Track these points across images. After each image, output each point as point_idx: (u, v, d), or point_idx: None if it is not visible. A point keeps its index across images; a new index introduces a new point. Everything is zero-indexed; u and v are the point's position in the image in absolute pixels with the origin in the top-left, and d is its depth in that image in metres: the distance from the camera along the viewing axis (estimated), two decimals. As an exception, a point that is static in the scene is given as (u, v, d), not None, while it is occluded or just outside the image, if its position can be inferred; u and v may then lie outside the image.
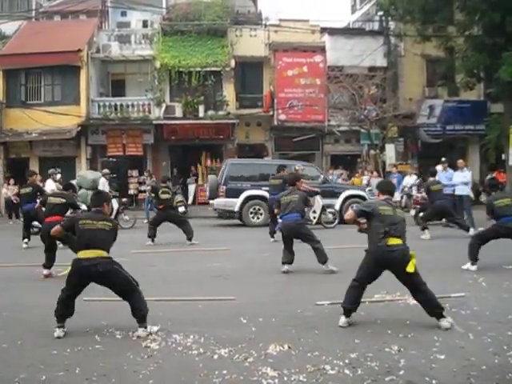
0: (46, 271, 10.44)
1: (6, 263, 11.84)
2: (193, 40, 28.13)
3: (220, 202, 19.51)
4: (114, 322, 7.07)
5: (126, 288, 6.73)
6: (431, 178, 15.64)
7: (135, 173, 28.47)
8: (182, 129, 27.40)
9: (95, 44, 28.17)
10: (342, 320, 6.77)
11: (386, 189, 7.24)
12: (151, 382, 5.17)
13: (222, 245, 14.29)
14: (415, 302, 7.35)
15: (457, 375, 5.12)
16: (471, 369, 5.22)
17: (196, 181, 27.64)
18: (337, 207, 18.84)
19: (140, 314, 6.61)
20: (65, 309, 6.67)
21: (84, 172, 21.44)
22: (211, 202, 19.92)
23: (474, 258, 10.24)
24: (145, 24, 30.87)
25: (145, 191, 27.64)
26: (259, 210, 19.18)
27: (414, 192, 19.65)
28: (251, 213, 19.23)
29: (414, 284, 6.73)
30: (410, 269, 6.57)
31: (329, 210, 18.09)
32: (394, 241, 6.65)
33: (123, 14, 32.62)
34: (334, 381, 5.06)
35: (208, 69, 27.08)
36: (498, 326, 6.57)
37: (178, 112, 27.17)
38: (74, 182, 18.28)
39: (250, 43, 28.49)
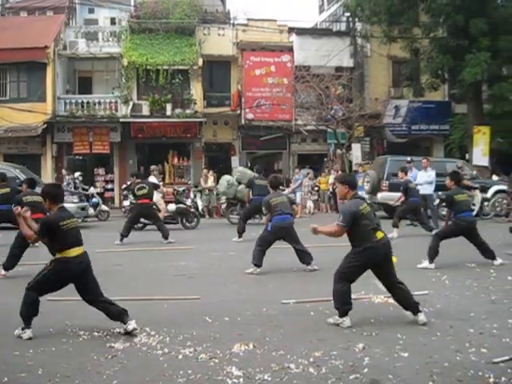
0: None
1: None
2: (161, 38, 28.05)
3: (385, 195, 20.03)
4: (77, 323, 7.00)
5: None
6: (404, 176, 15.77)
7: (102, 171, 28.28)
8: (149, 127, 27.30)
9: (62, 41, 27.91)
10: (347, 321, 6.71)
11: (355, 183, 7.22)
12: (115, 382, 5.13)
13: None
14: (379, 300, 7.47)
15: (419, 372, 5.19)
16: (434, 366, 5.30)
17: (163, 179, 27.49)
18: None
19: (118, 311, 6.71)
20: (35, 310, 6.59)
21: (242, 168, 21.41)
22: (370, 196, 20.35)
23: (432, 257, 10.44)
24: (112, 21, 30.68)
25: (112, 189, 27.65)
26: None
27: None
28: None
29: (394, 277, 6.82)
30: (394, 259, 6.74)
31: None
32: (380, 234, 6.76)
33: (91, 10, 32.41)
34: (298, 379, 5.09)
35: (176, 67, 27.03)
36: (461, 324, 6.70)
37: (146, 110, 27.07)
38: (235, 177, 19.33)
39: (218, 42, 28.52)
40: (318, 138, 29.42)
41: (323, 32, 32.62)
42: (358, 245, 6.70)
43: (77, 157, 28.75)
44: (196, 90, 27.57)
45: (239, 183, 19.09)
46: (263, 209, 11.20)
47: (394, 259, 6.83)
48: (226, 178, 19.85)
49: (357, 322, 6.79)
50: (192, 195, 22.51)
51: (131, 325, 6.55)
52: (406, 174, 15.74)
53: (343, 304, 6.72)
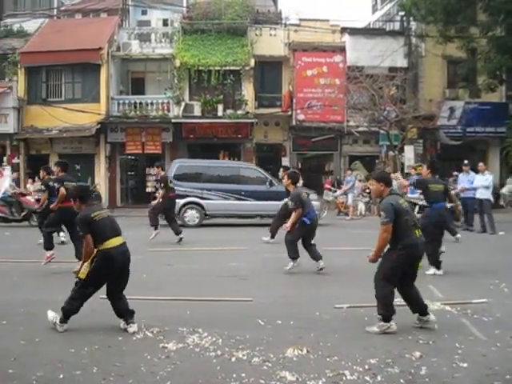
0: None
1: (22, 259, 11.85)
2: (213, 39, 28.12)
3: None
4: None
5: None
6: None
7: (153, 171, 28.46)
8: (201, 127, 27.41)
9: (116, 42, 28.28)
10: (393, 326, 6.55)
11: (390, 180, 7.07)
12: (168, 383, 5.11)
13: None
14: (436, 307, 7.26)
15: (480, 384, 5.00)
16: (495, 378, 5.10)
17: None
18: None
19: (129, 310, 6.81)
20: (81, 306, 6.65)
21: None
22: None
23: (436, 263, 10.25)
24: (165, 22, 31.00)
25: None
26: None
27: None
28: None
29: (414, 278, 6.73)
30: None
31: None
32: (419, 232, 6.63)
33: (144, 12, 32.87)
34: (353, 387, 4.97)
35: (227, 68, 27.05)
36: (522, 334, 6.43)
37: (197, 111, 27.16)
38: None
39: (270, 43, 28.39)
40: (370, 139, 29.02)
41: (376, 32, 32.21)
42: (398, 242, 6.50)
43: (129, 156, 29.07)
44: (247, 91, 27.55)
45: None
46: (291, 203, 10.93)
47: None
48: None
49: (412, 329, 6.63)
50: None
51: (132, 328, 6.63)
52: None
53: (387, 308, 6.53)
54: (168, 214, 15.03)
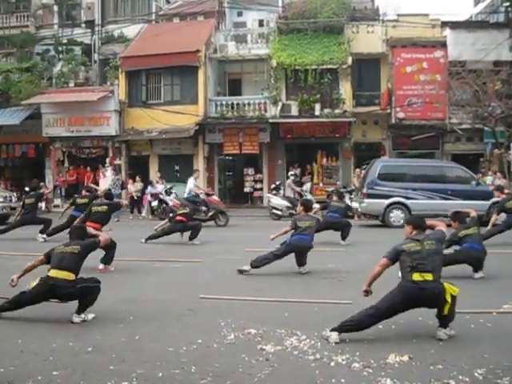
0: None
1: (125, 257, 12.10)
2: (309, 38, 27.93)
3: None
4: (229, 322, 7.03)
5: None
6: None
7: (251, 171, 28.69)
8: (298, 127, 27.32)
9: (212, 44, 28.63)
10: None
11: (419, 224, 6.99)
12: (266, 386, 5.00)
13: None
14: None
15: None
16: None
17: (311, 179, 27.36)
18: None
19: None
20: None
21: None
22: None
23: None
24: (261, 23, 31.11)
25: (261, 189, 27.92)
26: None
27: None
28: None
29: None
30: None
31: None
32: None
33: (239, 14, 33.21)
34: (460, 398, 4.68)
35: (324, 66, 26.76)
36: None
37: (294, 110, 27.04)
38: None
39: (367, 40, 27.92)
40: (474, 137, 27.92)
41: (479, 25, 30.88)
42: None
43: (227, 157, 29.36)
44: (345, 89, 27.16)
45: None
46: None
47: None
48: None
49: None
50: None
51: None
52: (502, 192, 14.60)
53: None
54: None
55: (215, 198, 21.47)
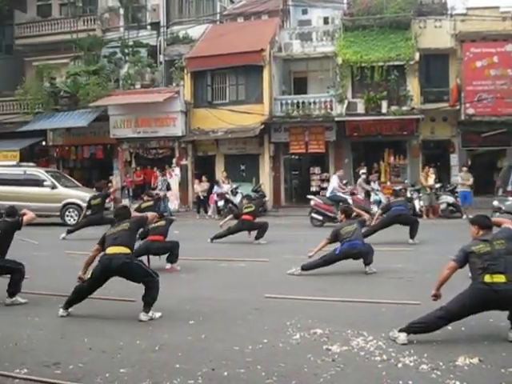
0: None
1: (190, 256, 12.19)
2: (375, 34, 27.51)
3: None
4: (294, 321, 6.97)
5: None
6: None
7: (317, 170, 28.51)
8: (365, 125, 26.96)
9: (277, 43, 28.57)
10: None
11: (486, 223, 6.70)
12: (332, 387, 4.91)
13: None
14: None
15: None
16: None
17: (379, 178, 26.98)
18: None
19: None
20: None
21: None
22: None
23: None
24: (326, 21, 30.89)
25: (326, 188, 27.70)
26: None
27: None
28: None
29: None
30: None
31: None
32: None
33: (304, 11, 32.99)
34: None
35: (391, 63, 26.30)
36: None
37: (360, 108, 26.69)
38: None
39: (435, 35, 27.30)
40: (549, 132, 27.01)
41: (555, 15, 29.86)
42: None
43: (293, 156, 29.27)
44: (412, 86, 26.65)
45: None
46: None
47: None
48: None
49: None
50: (408, 194, 21.86)
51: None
52: None
53: None
54: None
55: (360, 197, 21.19)
